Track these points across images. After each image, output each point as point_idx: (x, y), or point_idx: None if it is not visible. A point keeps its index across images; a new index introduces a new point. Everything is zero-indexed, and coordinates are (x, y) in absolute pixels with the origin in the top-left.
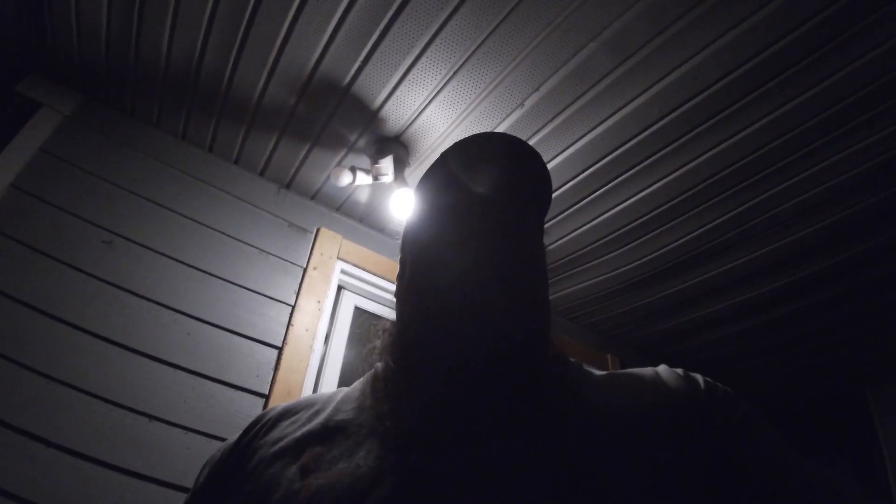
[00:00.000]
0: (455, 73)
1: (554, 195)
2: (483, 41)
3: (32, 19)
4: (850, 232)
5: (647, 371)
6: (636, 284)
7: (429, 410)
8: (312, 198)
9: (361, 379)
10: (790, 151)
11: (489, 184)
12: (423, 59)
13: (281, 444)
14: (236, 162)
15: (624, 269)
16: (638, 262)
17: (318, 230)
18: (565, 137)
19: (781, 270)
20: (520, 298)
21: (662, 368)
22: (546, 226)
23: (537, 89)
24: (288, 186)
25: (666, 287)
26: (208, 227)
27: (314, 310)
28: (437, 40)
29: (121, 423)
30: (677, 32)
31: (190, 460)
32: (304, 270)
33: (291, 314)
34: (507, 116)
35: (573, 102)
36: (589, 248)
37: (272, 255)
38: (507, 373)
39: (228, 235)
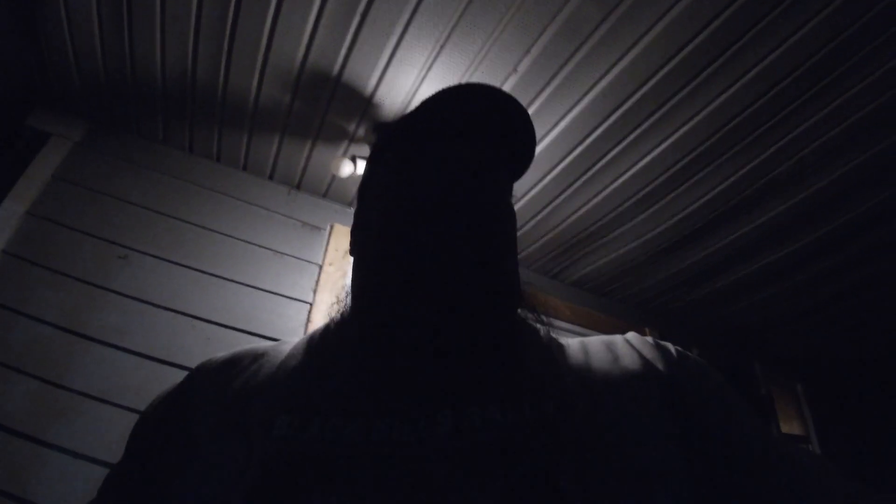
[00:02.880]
0: (442, 46)
1: (561, 165)
2: (465, 9)
3: (32, 55)
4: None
5: (617, 338)
6: (664, 252)
7: (396, 376)
8: (324, 195)
9: (310, 335)
10: (803, 89)
11: (469, 142)
12: (408, 36)
13: (226, 395)
14: (244, 168)
15: (648, 236)
16: (662, 228)
17: (331, 227)
18: (565, 100)
19: (812, 223)
20: (493, 264)
21: (632, 335)
22: (558, 199)
23: (528, 52)
24: (298, 187)
25: (695, 252)
26: (221, 233)
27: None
28: (418, 15)
29: None
30: None
31: None
32: (321, 268)
33: (310, 312)
34: (502, 85)
35: (567, 62)
36: (608, 217)
37: (287, 255)
38: (478, 340)
39: (242, 240)
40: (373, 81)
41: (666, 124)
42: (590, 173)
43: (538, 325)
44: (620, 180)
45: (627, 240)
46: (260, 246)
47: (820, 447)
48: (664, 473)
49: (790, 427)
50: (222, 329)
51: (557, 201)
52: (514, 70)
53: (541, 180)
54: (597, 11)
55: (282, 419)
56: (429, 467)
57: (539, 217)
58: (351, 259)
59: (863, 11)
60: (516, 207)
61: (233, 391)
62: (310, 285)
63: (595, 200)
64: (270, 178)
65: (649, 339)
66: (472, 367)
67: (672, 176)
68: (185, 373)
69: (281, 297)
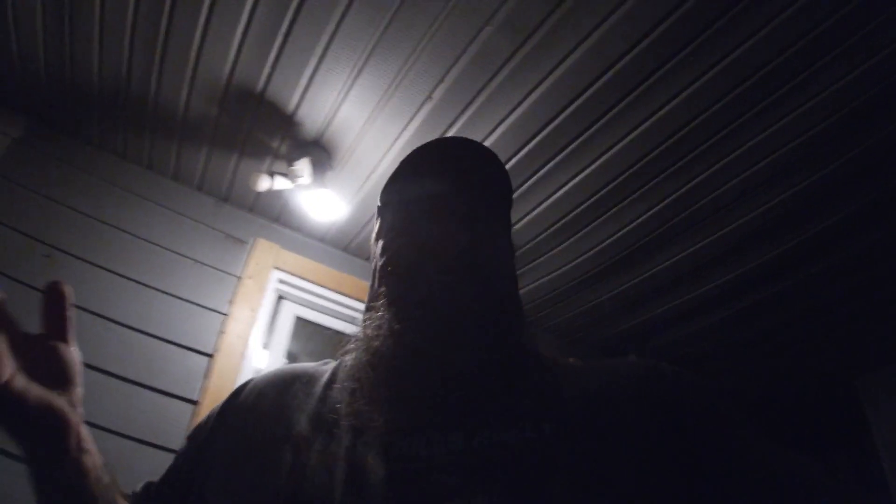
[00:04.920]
0: (360, 70)
1: None
2: (380, 36)
3: None
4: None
5: (618, 362)
6: (588, 280)
7: (414, 403)
8: (250, 210)
9: (342, 360)
10: (720, 125)
11: (454, 188)
12: (327, 59)
13: (271, 414)
14: (175, 178)
15: (572, 263)
16: (585, 256)
17: (254, 241)
18: (481, 127)
19: (741, 255)
20: (495, 297)
21: (633, 359)
22: None
23: (442, 80)
24: (225, 199)
25: (620, 281)
26: (145, 240)
27: (248, 318)
28: (337, 39)
29: None
30: (571, 8)
31: (122, 465)
32: (239, 279)
33: (223, 322)
34: (419, 110)
35: (482, 90)
36: (530, 244)
37: (207, 265)
38: (486, 367)
39: (165, 248)
40: (294, 100)
41: (584, 154)
42: None
43: (541, 352)
44: (540, 209)
45: (549, 268)
46: (182, 255)
47: None
48: (656, 488)
49: None
50: (137, 334)
51: None
52: (430, 97)
53: None
54: (509, 43)
55: (319, 435)
56: (438, 477)
57: None
58: (274, 273)
59: (771, 57)
60: None
61: (277, 406)
62: (226, 297)
63: (515, 227)
64: (199, 188)
65: (649, 361)
66: (480, 393)
67: (590, 206)
68: (96, 373)
69: (195, 306)
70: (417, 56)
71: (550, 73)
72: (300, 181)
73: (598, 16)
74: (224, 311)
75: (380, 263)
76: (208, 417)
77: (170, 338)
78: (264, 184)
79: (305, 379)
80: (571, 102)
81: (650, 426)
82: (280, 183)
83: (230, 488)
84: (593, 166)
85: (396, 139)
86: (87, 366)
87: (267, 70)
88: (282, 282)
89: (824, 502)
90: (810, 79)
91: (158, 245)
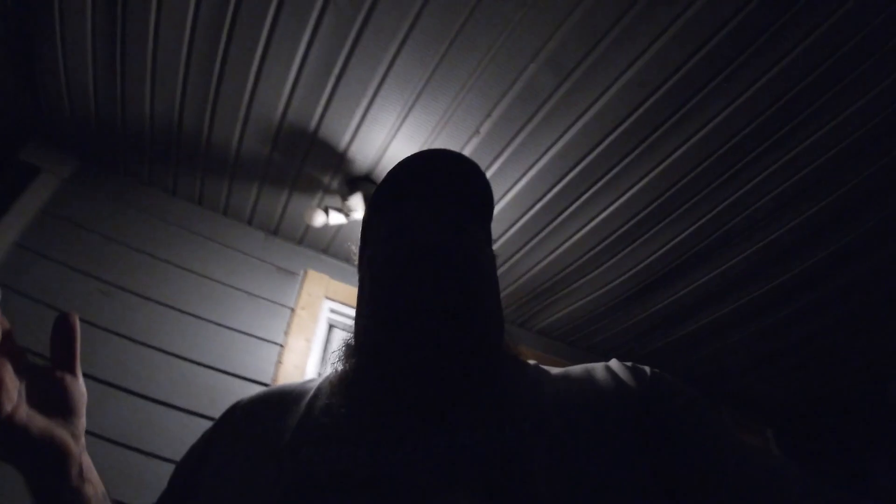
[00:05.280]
0: (410, 108)
1: (523, 219)
2: (430, 76)
3: (27, 90)
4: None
5: (598, 364)
6: (627, 299)
7: (398, 409)
8: (299, 242)
9: (328, 376)
10: (753, 145)
11: (437, 197)
12: (378, 98)
13: (259, 426)
14: (225, 213)
15: (611, 285)
16: (624, 277)
17: (305, 272)
18: (526, 159)
19: (773, 268)
20: (473, 305)
21: (613, 361)
22: (522, 251)
23: (489, 115)
24: (275, 233)
25: (657, 299)
26: (199, 274)
27: (303, 348)
28: (388, 79)
29: (118, 460)
30: (610, 44)
31: None
32: (293, 311)
33: (280, 353)
34: (466, 144)
35: (526, 124)
36: (571, 268)
37: (261, 297)
38: (463, 374)
39: (219, 282)
40: (346, 138)
41: (622, 181)
42: (551, 227)
43: (523, 360)
44: (581, 233)
45: (591, 289)
46: (236, 288)
47: None
48: (633, 485)
49: None
50: (196, 366)
51: (521, 253)
52: (477, 132)
53: (504, 233)
54: (552, 79)
55: (307, 447)
56: (420, 479)
57: (504, 268)
58: (325, 303)
59: (808, 70)
60: None
61: (264, 424)
62: (281, 328)
63: (557, 252)
64: (249, 223)
65: (628, 363)
66: (461, 398)
67: (630, 229)
68: (158, 405)
69: (253, 338)
70: (465, 93)
71: (591, 105)
72: (354, 215)
73: (635, 52)
74: (280, 342)
75: (369, 273)
76: (199, 442)
77: (229, 369)
78: (319, 219)
79: (292, 396)
80: (609, 134)
81: (630, 425)
82: (334, 218)
83: None
84: (631, 192)
85: None
86: (148, 398)
87: (320, 110)
88: (333, 311)
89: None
90: (842, 92)
91: (211, 279)
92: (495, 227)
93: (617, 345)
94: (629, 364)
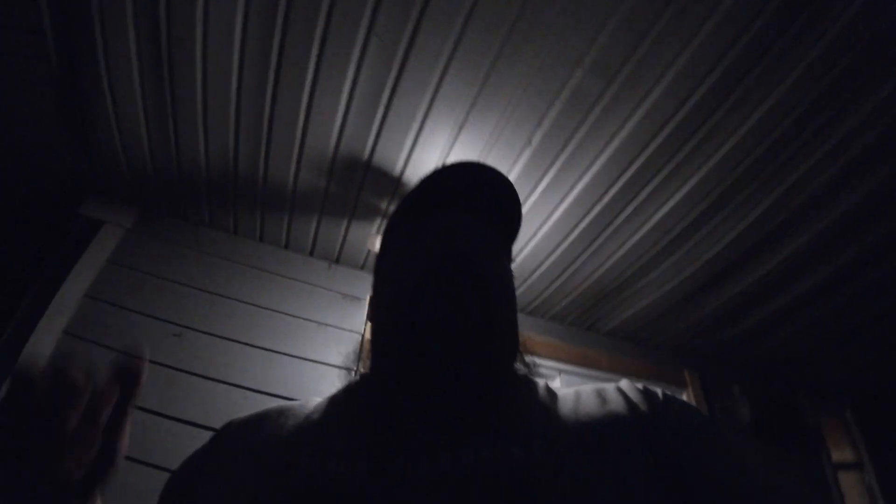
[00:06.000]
0: (461, 127)
1: (581, 225)
2: (477, 94)
3: (81, 144)
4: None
5: (609, 385)
6: (692, 295)
7: (407, 424)
8: (361, 268)
9: (333, 394)
10: (803, 128)
11: (460, 213)
12: (429, 121)
13: (255, 443)
14: (286, 246)
15: (675, 282)
16: (687, 274)
17: (370, 297)
18: (579, 165)
19: (834, 249)
20: (490, 323)
21: (624, 382)
22: (583, 256)
23: (539, 125)
24: (337, 261)
25: (723, 292)
26: (267, 308)
27: None
28: (437, 102)
29: None
30: (653, 41)
31: None
32: (362, 336)
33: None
34: (519, 156)
35: (577, 130)
36: (633, 269)
37: (329, 325)
38: (472, 391)
39: (287, 314)
40: (400, 163)
41: (676, 178)
42: (610, 229)
43: (535, 378)
44: (639, 234)
45: (655, 288)
46: (304, 318)
47: (875, 472)
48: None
49: (842, 455)
50: (274, 399)
51: (583, 257)
52: (529, 143)
53: (564, 239)
54: (598, 82)
55: (305, 459)
56: (425, 497)
57: (567, 274)
58: None
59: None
60: (544, 267)
61: (261, 440)
62: (353, 353)
63: (619, 253)
64: (311, 254)
65: (639, 385)
66: (468, 416)
67: (688, 226)
68: None
69: (326, 366)
70: (514, 107)
71: (639, 105)
72: None
73: (679, 46)
74: (353, 368)
75: (388, 288)
76: (192, 458)
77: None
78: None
79: (293, 412)
80: (657, 134)
81: (642, 447)
82: None
83: None
84: (686, 188)
85: None
86: None
87: (372, 139)
88: None
89: None
90: None
91: (279, 311)
92: (555, 233)
93: (686, 339)
94: (640, 386)
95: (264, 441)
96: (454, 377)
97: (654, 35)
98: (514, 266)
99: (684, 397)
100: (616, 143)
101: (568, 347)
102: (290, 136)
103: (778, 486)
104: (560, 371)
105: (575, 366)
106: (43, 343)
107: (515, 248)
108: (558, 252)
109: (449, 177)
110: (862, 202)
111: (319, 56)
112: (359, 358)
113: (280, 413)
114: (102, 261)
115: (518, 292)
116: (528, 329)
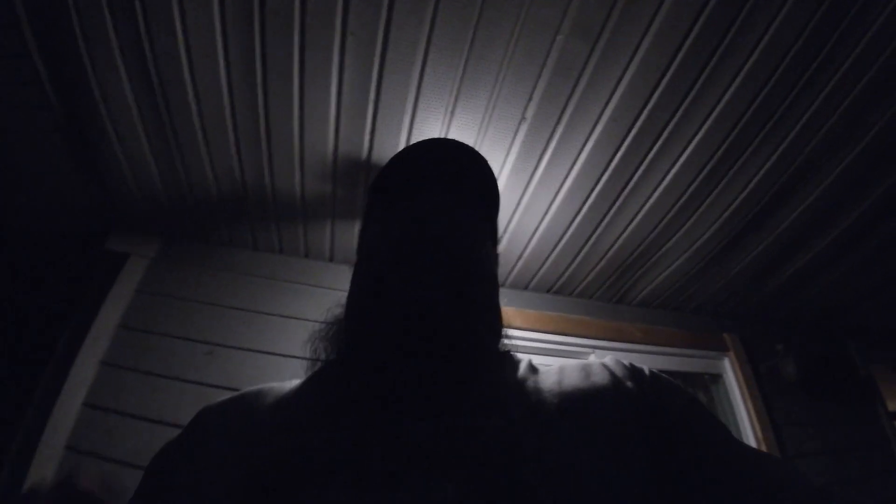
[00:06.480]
0: (452, 112)
1: (594, 194)
2: (462, 74)
3: (98, 188)
4: None
5: (594, 362)
6: (720, 253)
7: (380, 396)
8: None
9: (310, 374)
10: (808, 60)
11: (437, 192)
12: (420, 109)
13: (232, 425)
14: (306, 255)
15: (700, 242)
16: (711, 232)
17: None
18: (580, 133)
19: (858, 192)
20: (465, 298)
21: (609, 359)
22: (601, 226)
23: (531, 98)
24: None
25: (753, 245)
26: (293, 317)
27: None
28: (424, 88)
29: None
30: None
31: None
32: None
33: None
34: (517, 132)
35: (570, 97)
36: (653, 234)
37: None
38: (449, 363)
39: (313, 321)
40: None
41: (681, 133)
42: (623, 195)
43: (517, 355)
44: (655, 196)
45: (679, 251)
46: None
47: None
48: (627, 476)
49: None
50: None
51: (600, 229)
52: (524, 118)
53: (578, 212)
54: (583, 45)
55: (282, 434)
56: (405, 464)
57: (587, 248)
58: None
59: None
60: (562, 244)
61: (239, 421)
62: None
63: (636, 220)
64: (331, 259)
65: (625, 361)
66: (446, 387)
67: (703, 181)
68: None
69: None
70: (502, 82)
71: (629, 63)
72: None
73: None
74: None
75: (367, 266)
76: (168, 446)
77: None
78: None
79: (272, 394)
80: (657, 85)
81: (628, 421)
82: None
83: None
84: (694, 143)
85: (503, 165)
86: None
87: (367, 137)
88: None
89: (801, 497)
90: None
91: (306, 319)
92: (567, 207)
93: (722, 300)
94: (627, 363)
95: (244, 422)
96: (428, 355)
97: None
98: (501, 244)
99: (726, 362)
100: (613, 104)
101: (599, 322)
102: (288, 146)
103: (761, 454)
104: (594, 348)
105: (608, 341)
106: (82, 375)
107: (528, 227)
108: (574, 226)
109: (420, 156)
110: (869, 147)
111: (302, 63)
112: (335, 339)
113: (258, 395)
114: (131, 291)
115: (540, 273)
116: (555, 309)
